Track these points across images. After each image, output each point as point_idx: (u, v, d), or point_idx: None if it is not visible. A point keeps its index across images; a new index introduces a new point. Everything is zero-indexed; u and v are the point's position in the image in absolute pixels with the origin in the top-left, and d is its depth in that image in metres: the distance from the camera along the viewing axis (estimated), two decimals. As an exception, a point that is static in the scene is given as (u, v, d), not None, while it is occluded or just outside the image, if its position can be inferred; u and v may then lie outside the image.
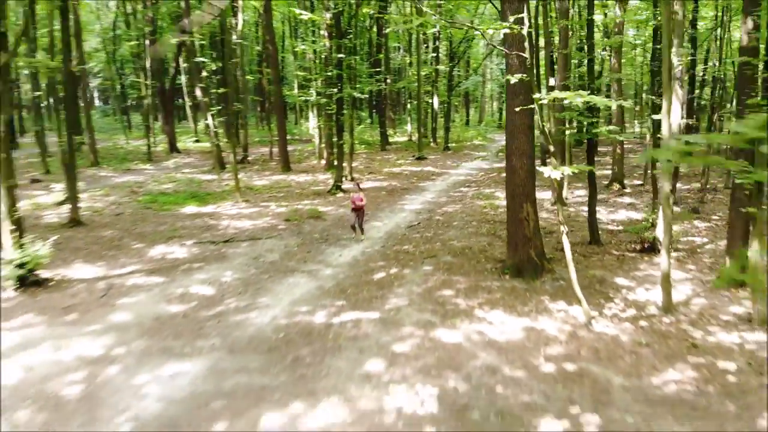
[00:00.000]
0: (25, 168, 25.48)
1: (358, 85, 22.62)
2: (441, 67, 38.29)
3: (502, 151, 18.22)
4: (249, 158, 29.91)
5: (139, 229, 15.20)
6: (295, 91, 33.24)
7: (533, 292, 10.22)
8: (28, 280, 10.53)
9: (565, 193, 18.41)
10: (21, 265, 10.41)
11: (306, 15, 20.22)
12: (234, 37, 25.82)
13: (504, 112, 26.94)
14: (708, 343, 8.29)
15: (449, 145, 37.58)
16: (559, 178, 7.94)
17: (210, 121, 22.51)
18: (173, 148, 32.66)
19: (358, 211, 13.96)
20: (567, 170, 7.66)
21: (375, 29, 37.15)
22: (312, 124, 33.72)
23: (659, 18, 13.45)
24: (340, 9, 20.56)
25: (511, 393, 6.84)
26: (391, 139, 40.09)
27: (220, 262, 12.32)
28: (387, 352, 7.91)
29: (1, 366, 7.59)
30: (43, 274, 10.98)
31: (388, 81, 38.90)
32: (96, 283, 10.96)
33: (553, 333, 8.52)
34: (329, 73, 20.78)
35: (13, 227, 10.58)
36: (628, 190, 20.93)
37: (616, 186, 21.06)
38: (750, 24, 9.96)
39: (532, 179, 10.64)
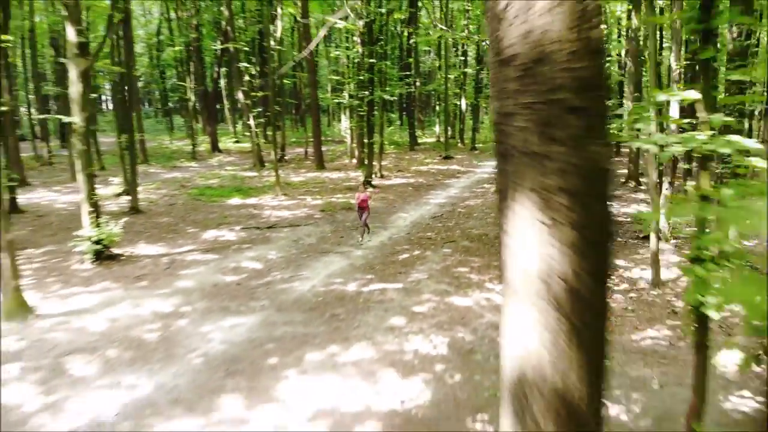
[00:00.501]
0: (83, 165, 27.76)
1: (387, 88, 24.11)
2: (469, 70, 39.60)
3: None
4: (286, 157, 31.73)
5: (192, 217, 17.02)
6: (329, 94, 34.98)
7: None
8: (102, 255, 12.34)
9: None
10: (97, 242, 12.23)
11: (341, 23, 21.85)
12: (273, 43, 27.63)
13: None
14: (687, 310, 9.54)
15: (476, 145, 38.84)
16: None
17: (251, 122, 24.34)
18: (215, 148, 34.73)
19: (363, 209, 14.17)
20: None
21: (405, 34, 38.68)
22: (344, 125, 35.39)
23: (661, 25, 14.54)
24: (372, 17, 22.13)
25: (509, 343, 8.26)
26: (420, 140, 41.53)
27: (265, 244, 13.98)
28: (408, 311, 9.41)
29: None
30: (115, 250, 12.79)
31: (418, 84, 40.34)
32: (160, 258, 12.74)
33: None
34: (361, 77, 22.38)
35: (91, 209, 12.40)
36: (643, 187, 21.95)
37: (632, 183, 22.11)
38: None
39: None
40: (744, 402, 6.89)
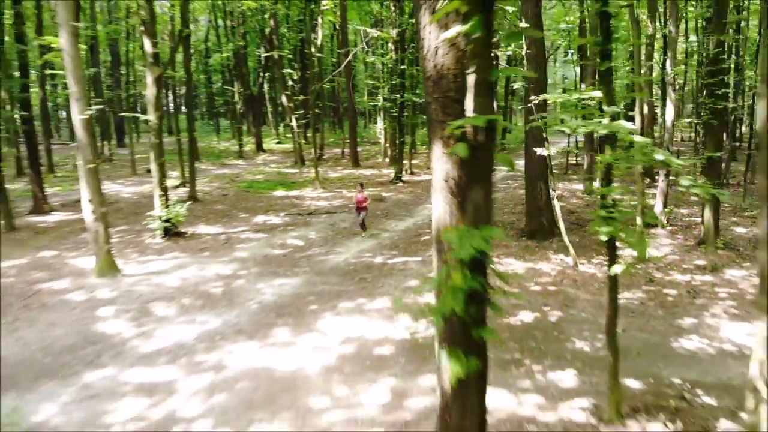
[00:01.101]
0: (141, 162, 30.55)
1: (418, 91, 26.00)
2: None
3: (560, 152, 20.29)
4: (324, 156, 33.99)
5: (242, 205, 19.31)
6: (365, 97, 37.07)
7: (541, 248, 13.31)
8: (170, 232, 14.64)
9: (597, 183, 21.05)
10: (167, 221, 14.53)
11: (376, 33, 23.89)
12: (313, 50, 29.89)
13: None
14: (663, 280, 11.19)
15: (507, 146, 40.35)
16: (546, 154, 11.11)
17: (293, 123, 26.61)
18: (260, 148, 37.26)
19: (361, 209, 15.02)
20: (553, 150, 10.81)
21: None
22: (380, 126, 37.46)
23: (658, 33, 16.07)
24: (404, 27, 24.10)
25: (505, 300, 10.08)
26: (452, 141, 43.25)
27: (306, 227, 16.10)
28: (423, 276, 11.32)
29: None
30: (181, 229, 15.09)
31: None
32: (218, 236, 14.99)
33: (546, 270, 11.66)
34: (393, 82, 24.36)
35: (161, 193, 14.71)
36: (656, 184, 23.23)
37: (647, 180, 23.42)
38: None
39: (544, 163, 13.74)
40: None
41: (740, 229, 15.18)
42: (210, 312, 9.70)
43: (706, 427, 6.25)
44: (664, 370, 7.66)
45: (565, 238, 11.92)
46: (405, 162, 26.21)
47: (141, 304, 10.17)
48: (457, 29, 3.09)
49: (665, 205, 15.67)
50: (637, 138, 5.23)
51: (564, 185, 22.67)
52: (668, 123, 14.08)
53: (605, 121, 5.44)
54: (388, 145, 31.46)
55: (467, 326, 3.56)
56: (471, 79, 3.21)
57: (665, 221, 15.41)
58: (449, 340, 3.74)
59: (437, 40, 3.39)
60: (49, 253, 13.30)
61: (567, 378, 7.38)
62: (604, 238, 5.60)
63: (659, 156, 4.87)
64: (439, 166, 3.66)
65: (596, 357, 7.98)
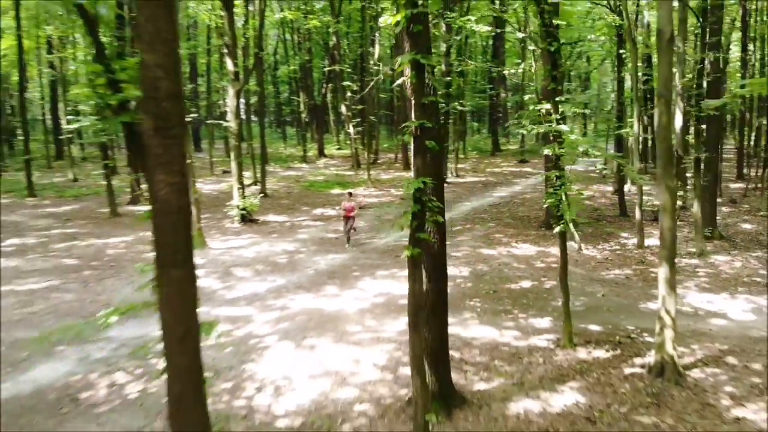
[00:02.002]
0: (217, 164, 34.35)
1: (461, 101, 28.24)
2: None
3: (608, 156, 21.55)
4: (379, 160, 36.79)
5: (304, 200, 22.31)
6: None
7: (554, 237, 15.42)
8: (246, 218, 17.70)
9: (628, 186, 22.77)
10: (243, 209, 17.59)
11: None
12: (371, 63, 32.76)
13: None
14: (653, 261, 13.13)
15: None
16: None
17: (351, 130, 29.48)
18: (321, 153, 40.54)
19: (349, 218, 14.91)
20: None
21: (491, 52, 42.69)
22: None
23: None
24: (451, 42, 26.55)
25: (512, 273, 12.39)
26: (503, 147, 45.16)
27: (358, 217, 18.82)
28: (450, 256, 13.73)
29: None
30: (254, 216, 18.14)
31: (503, 95, 44.06)
32: (284, 223, 17.94)
33: (554, 253, 13.82)
34: (440, 92, 26.84)
35: (239, 187, 17.79)
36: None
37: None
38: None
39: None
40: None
41: (747, 225, 16.71)
42: (277, 274, 12.50)
43: (638, 353, 8.40)
44: (624, 321, 9.78)
45: (570, 226, 14.02)
46: (451, 165, 28.55)
47: (224, 268, 13.10)
48: (406, 77, 5.58)
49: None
50: (573, 136, 7.54)
51: (597, 186, 24.44)
52: (677, 129, 15.87)
53: (554, 124, 7.78)
54: (438, 150, 33.77)
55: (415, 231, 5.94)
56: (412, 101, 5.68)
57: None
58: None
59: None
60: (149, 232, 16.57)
61: (543, 323, 9.66)
62: (546, 204, 7.91)
63: (582, 147, 7.18)
64: (416, 160, 6.18)
65: (573, 312, 10.17)
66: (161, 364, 3.77)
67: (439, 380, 6.76)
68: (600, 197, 22.26)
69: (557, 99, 7.88)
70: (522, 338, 8.97)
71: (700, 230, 14.52)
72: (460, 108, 27.26)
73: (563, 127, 7.50)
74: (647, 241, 14.41)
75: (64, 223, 17.83)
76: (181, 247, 3.66)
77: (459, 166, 30.67)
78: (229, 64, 17.94)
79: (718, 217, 16.29)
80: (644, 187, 15.16)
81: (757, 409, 6.67)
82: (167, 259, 3.64)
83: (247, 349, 8.53)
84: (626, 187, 22.62)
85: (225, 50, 18.29)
